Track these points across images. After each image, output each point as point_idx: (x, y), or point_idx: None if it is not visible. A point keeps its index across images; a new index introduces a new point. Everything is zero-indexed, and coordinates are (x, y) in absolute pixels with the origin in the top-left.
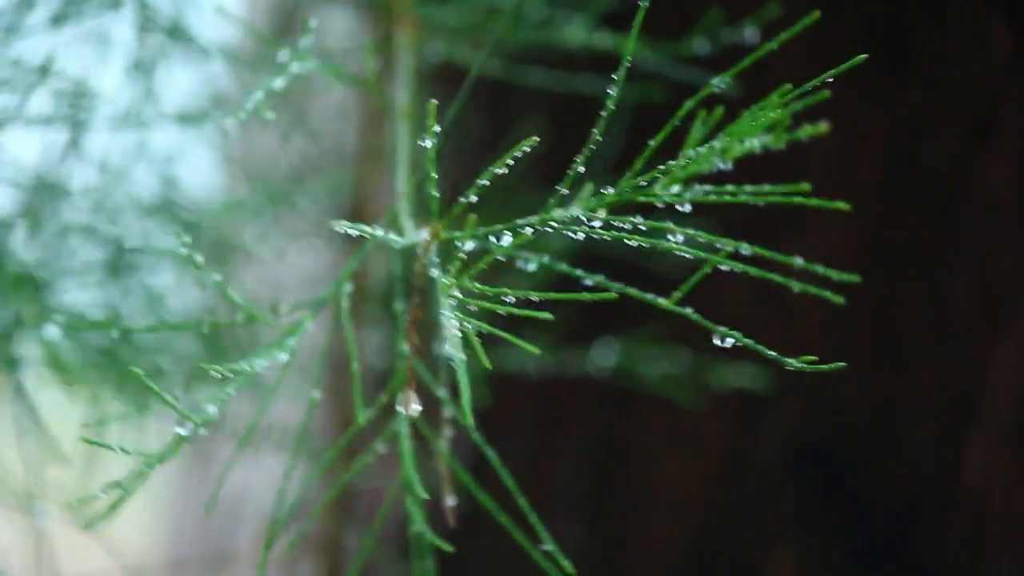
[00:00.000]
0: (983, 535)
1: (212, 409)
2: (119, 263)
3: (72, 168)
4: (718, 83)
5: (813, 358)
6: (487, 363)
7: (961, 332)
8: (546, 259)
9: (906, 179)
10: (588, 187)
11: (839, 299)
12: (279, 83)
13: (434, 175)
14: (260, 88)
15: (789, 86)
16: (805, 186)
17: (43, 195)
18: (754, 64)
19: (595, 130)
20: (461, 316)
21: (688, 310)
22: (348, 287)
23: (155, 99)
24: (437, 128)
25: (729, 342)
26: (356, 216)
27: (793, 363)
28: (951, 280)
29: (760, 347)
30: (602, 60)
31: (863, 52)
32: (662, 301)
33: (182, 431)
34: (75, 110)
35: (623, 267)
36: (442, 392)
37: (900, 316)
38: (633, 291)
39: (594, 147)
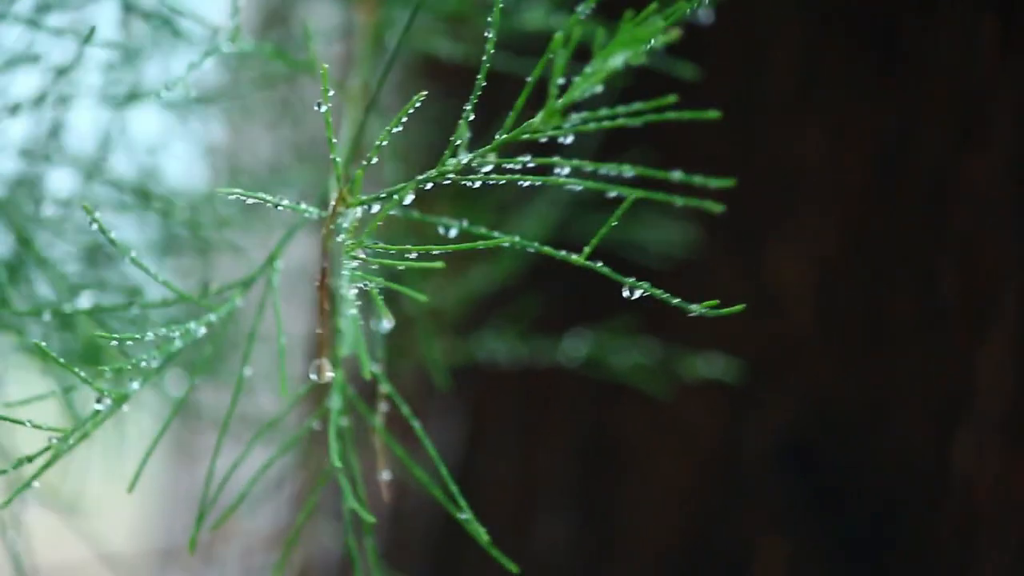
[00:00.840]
0: (973, 530)
1: (134, 385)
2: (96, 253)
3: (52, 157)
4: (583, 10)
5: (715, 302)
6: (389, 316)
7: (949, 328)
8: (465, 224)
9: (895, 176)
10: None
11: (717, 207)
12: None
13: (333, 140)
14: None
15: (653, 7)
16: (671, 98)
17: (22, 185)
18: (751, 60)
19: (479, 78)
20: (358, 273)
21: (599, 264)
22: (279, 264)
23: (138, 88)
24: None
25: (637, 293)
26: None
27: (695, 308)
28: (940, 276)
29: (666, 297)
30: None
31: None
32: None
33: (100, 407)
34: (57, 98)
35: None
36: (375, 368)
37: (889, 312)
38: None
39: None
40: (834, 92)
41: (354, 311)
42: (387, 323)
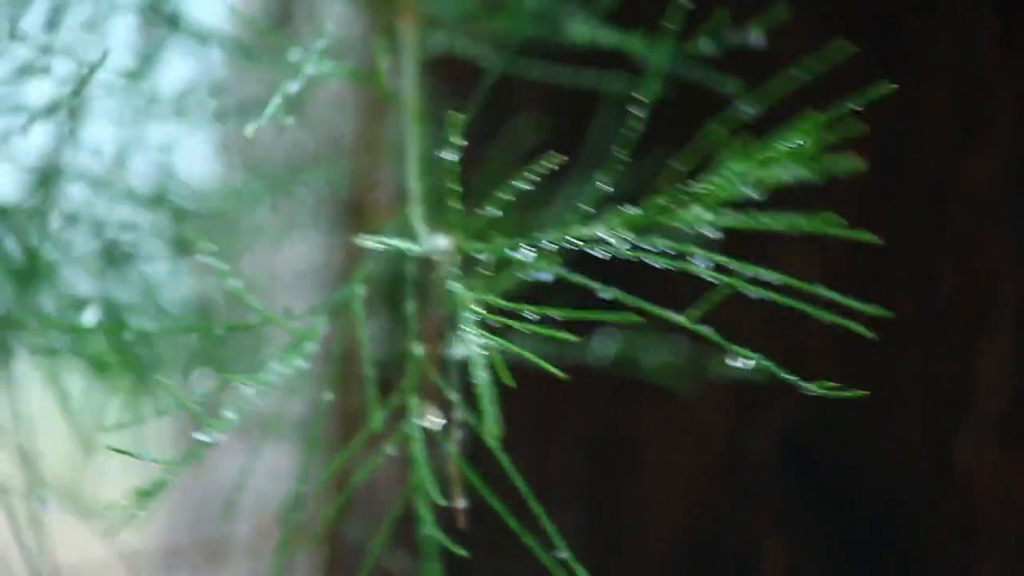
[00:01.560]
0: (973, 529)
1: (231, 415)
2: (115, 253)
3: (69, 158)
4: (746, 109)
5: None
6: (509, 381)
7: (949, 328)
8: (563, 271)
9: (894, 176)
10: (610, 207)
11: (864, 330)
12: (295, 87)
13: (455, 187)
14: (277, 94)
15: (818, 115)
16: (834, 218)
17: (42, 185)
18: (755, 64)
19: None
20: (484, 333)
21: (707, 329)
22: (360, 289)
23: (153, 88)
24: (454, 137)
25: (743, 363)
26: (355, 208)
27: (793, 379)
28: (940, 276)
29: (768, 363)
30: (604, 55)
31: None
32: (679, 318)
33: (204, 438)
34: (73, 99)
35: (627, 268)
36: (453, 395)
37: (889, 310)
38: (649, 306)
39: (599, 153)
40: (833, 92)
41: (486, 375)
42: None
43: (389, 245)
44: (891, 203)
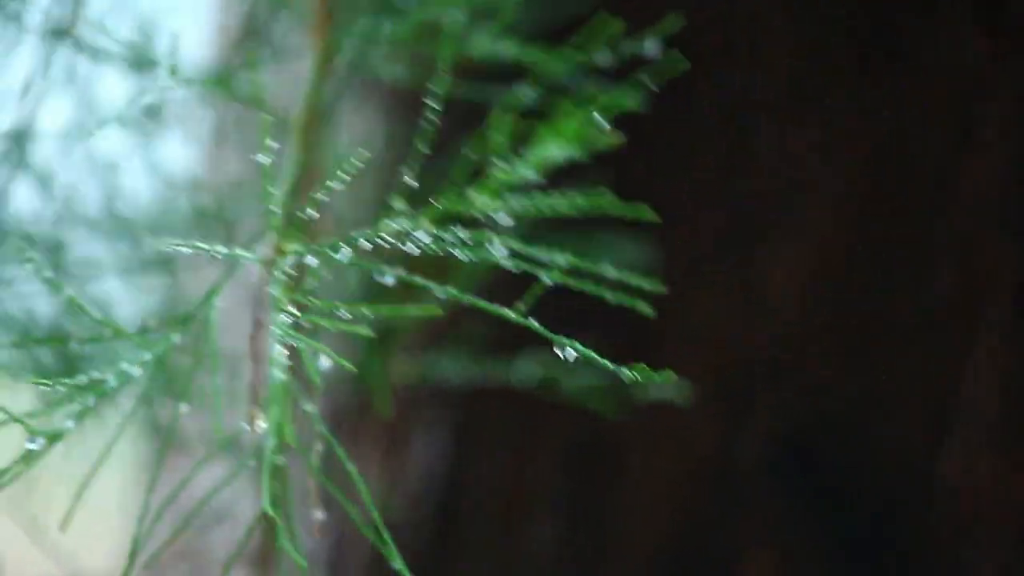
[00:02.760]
0: (970, 530)
1: (69, 423)
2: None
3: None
4: (522, 92)
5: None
6: (316, 380)
7: (946, 329)
8: (402, 272)
9: (891, 178)
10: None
11: (648, 310)
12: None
13: (273, 192)
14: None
15: (593, 94)
16: (606, 193)
17: None
18: (742, 66)
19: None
20: (290, 333)
21: (532, 321)
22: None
23: (96, 108)
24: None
25: (570, 352)
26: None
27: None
28: (936, 278)
29: (599, 359)
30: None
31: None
32: (508, 313)
33: (33, 446)
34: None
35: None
36: (310, 407)
37: (883, 314)
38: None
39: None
40: (829, 95)
41: (281, 375)
42: (325, 362)
43: (223, 254)
44: (887, 205)
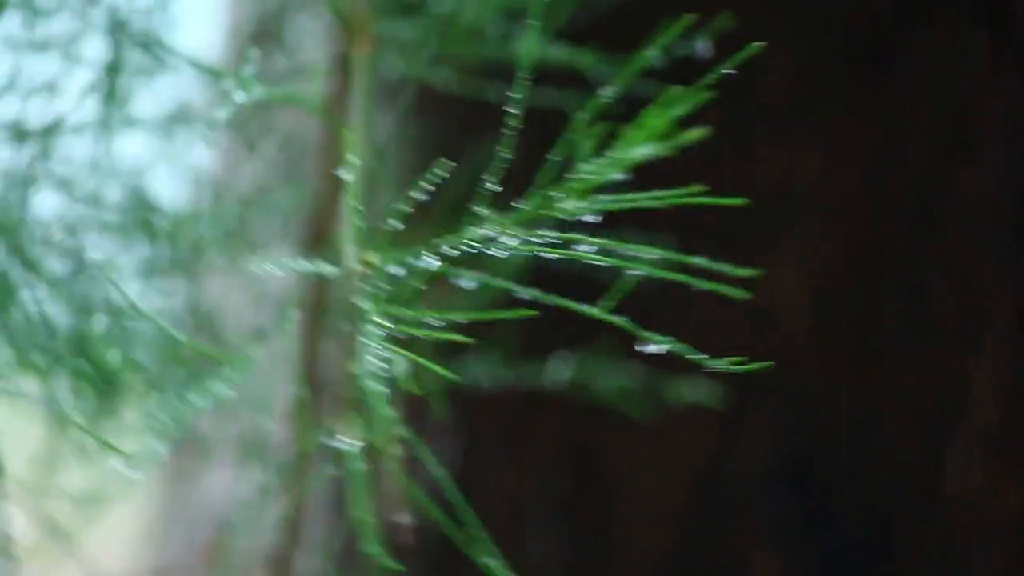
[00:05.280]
0: (964, 545)
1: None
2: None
3: (38, 179)
4: (606, 94)
5: (740, 358)
6: (416, 390)
7: (941, 341)
8: (485, 276)
9: (887, 190)
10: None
11: (743, 294)
12: (224, 114)
13: (358, 206)
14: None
15: (674, 91)
16: (700, 188)
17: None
18: (740, 76)
19: (500, 146)
20: (381, 342)
21: (619, 318)
22: (294, 313)
23: (123, 109)
24: (357, 160)
25: (655, 348)
26: (320, 232)
27: (716, 364)
28: (932, 290)
29: (683, 347)
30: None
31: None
32: (593, 311)
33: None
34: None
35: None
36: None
37: (881, 325)
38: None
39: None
40: (829, 107)
41: (382, 388)
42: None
43: (303, 269)
44: (884, 216)
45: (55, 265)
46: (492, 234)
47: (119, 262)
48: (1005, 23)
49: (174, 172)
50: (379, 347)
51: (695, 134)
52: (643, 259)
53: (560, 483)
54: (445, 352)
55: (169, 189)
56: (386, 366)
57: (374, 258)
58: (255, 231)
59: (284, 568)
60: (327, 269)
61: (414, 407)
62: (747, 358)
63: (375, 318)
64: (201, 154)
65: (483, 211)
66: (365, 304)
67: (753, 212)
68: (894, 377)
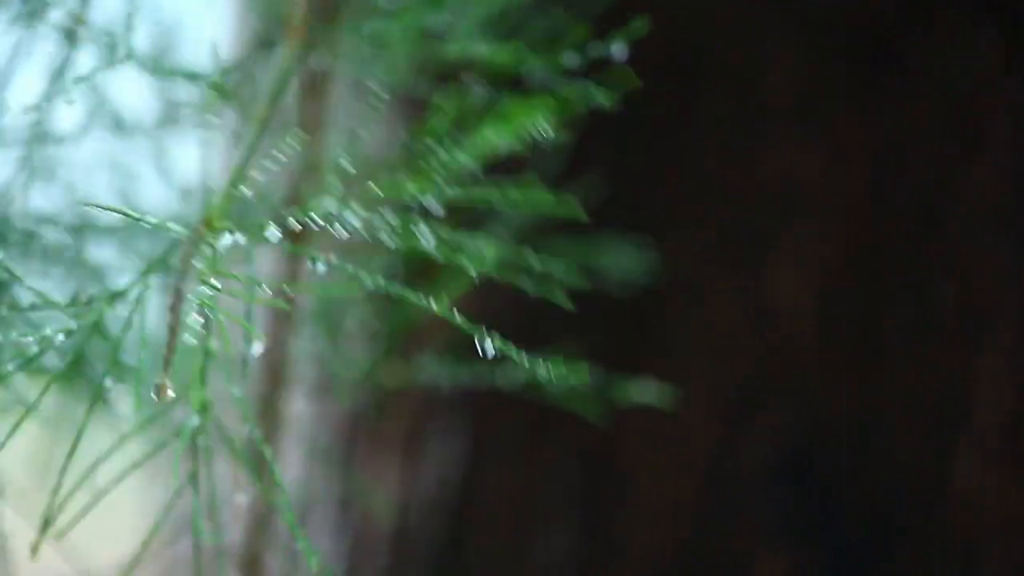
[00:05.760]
0: (970, 544)
1: None
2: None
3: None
4: (469, 81)
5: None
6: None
7: (947, 341)
8: (334, 259)
9: (893, 191)
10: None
11: (568, 304)
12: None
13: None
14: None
15: (545, 92)
16: (536, 184)
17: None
18: (744, 76)
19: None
20: (206, 302)
21: (459, 318)
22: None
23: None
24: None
25: (491, 349)
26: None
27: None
28: (937, 290)
29: (516, 354)
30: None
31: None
32: (434, 305)
33: None
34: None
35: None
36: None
37: (886, 325)
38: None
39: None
40: (831, 107)
41: (193, 339)
42: (258, 346)
43: (152, 224)
44: (889, 217)
45: (50, 263)
46: (333, 210)
47: (114, 261)
48: (1010, 23)
49: (165, 172)
50: (203, 306)
51: (549, 133)
52: (482, 257)
53: (566, 482)
54: (402, 351)
55: (160, 188)
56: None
57: (217, 222)
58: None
59: (255, 566)
60: (173, 228)
61: (420, 405)
62: (748, 358)
63: (207, 278)
64: (193, 153)
65: (332, 186)
66: (198, 263)
67: (755, 211)
68: (897, 376)
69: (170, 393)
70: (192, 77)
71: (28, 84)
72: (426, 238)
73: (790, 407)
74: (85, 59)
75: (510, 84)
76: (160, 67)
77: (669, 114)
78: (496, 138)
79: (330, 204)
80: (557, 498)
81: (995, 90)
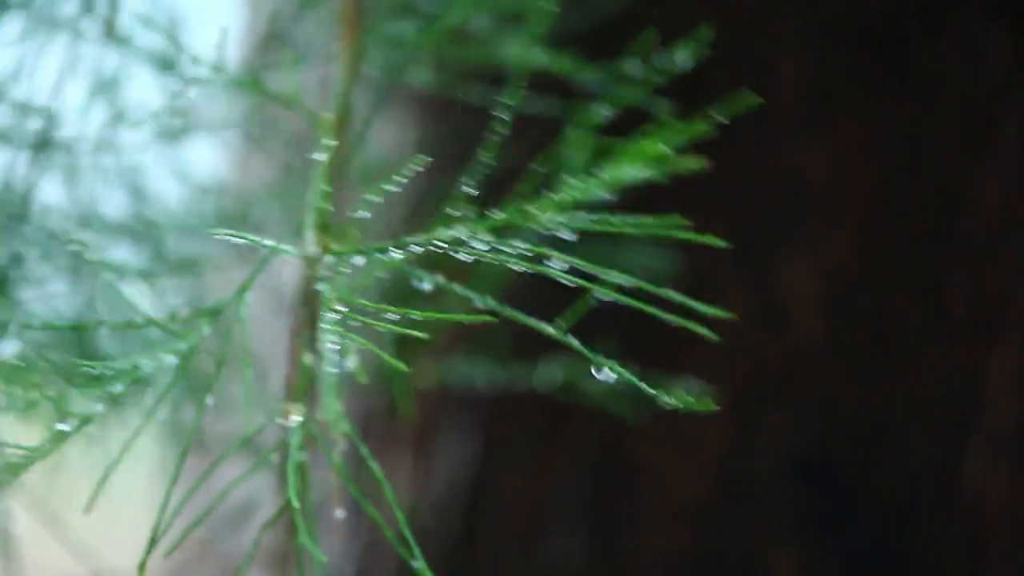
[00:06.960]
0: (983, 543)
1: (99, 407)
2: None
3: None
4: (600, 109)
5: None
6: (364, 377)
7: (959, 339)
8: (440, 279)
9: (904, 189)
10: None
11: (714, 337)
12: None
13: (327, 189)
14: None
15: (671, 118)
16: (682, 220)
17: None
18: (755, 74)
19: (482, 151)
20: (342, 332)
21: (572, 340)
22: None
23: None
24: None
25: (608, 374)
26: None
27: (670, 401)
28: (949, 289)
29: (639, 383)
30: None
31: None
32: (548, 329)
33: (64, 427)
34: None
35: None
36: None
37: (898, 323)
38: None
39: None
40: (843, 105)
41: (333, 369)
42: (351, 363)
43: (267, 247)
44: (900, 215)
45: (58, 264)
46: (462, 237)
47: (124, 261)
48: (1021, 23)
49: (177, 171)
50: (335, 335)
51: (690, 163)
52: (610, 283)
53: (578, 482)
54: (435, 352)
55: (172, 188)
56: (339, 355)
57: (335, 245)
58: (260, 229)
59: (285, 564)
60: (288, 251)
61: (431, 404)
62: (759, 357)
63: (333, 305)
64: (206, 152)
65: (456, 213)
66: (324, 290)
67: (767, 209)
68: (909, 375)
69: (296, 418)
70: (211, 73)
71: (44, 85)
72: (556, 266)
73: (801, 407)
74: (107, 59)
75: (560, 92)
76: (173, 65)
77: (679, 111)
78: (635, 170)
79: (460, 231)
80: (569, 497)
81: (1006, 89)
